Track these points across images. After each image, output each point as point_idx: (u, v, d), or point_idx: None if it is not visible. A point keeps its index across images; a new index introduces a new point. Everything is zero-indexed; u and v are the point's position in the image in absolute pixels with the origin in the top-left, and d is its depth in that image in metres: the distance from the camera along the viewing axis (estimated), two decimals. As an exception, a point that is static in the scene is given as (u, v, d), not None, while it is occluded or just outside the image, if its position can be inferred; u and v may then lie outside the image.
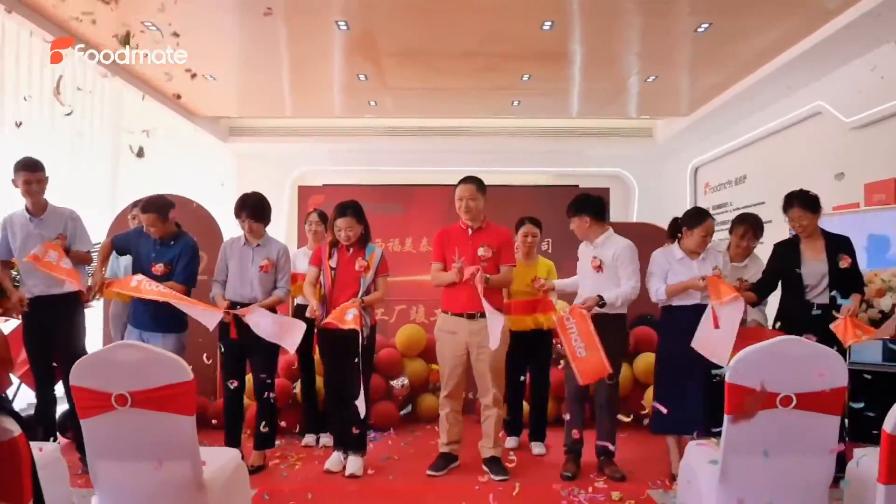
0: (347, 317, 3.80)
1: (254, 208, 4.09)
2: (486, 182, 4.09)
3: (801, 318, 3.76)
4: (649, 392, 5.05)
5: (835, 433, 2.47)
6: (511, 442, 4.66)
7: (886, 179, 6.23)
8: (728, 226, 4.57)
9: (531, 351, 4.53)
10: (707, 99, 8.70)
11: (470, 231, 4.04)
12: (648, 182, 11.33)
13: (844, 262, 3.76)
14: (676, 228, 3.96)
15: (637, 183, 11.42)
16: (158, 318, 3.90)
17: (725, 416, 2.46)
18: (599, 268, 3.93)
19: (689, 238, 3.86)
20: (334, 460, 4.08)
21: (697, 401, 3.70)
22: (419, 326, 5.46)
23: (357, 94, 8.51)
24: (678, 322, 3.79)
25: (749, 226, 4.12)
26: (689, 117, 9.45)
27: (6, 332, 3.04)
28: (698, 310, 3.76)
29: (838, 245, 3.84)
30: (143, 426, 2.33)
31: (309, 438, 4.70)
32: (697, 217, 3.87)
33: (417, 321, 5.86)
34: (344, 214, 3.99)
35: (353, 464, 3.98)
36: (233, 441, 4.11)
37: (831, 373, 2.41)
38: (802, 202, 3.83)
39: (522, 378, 4.65)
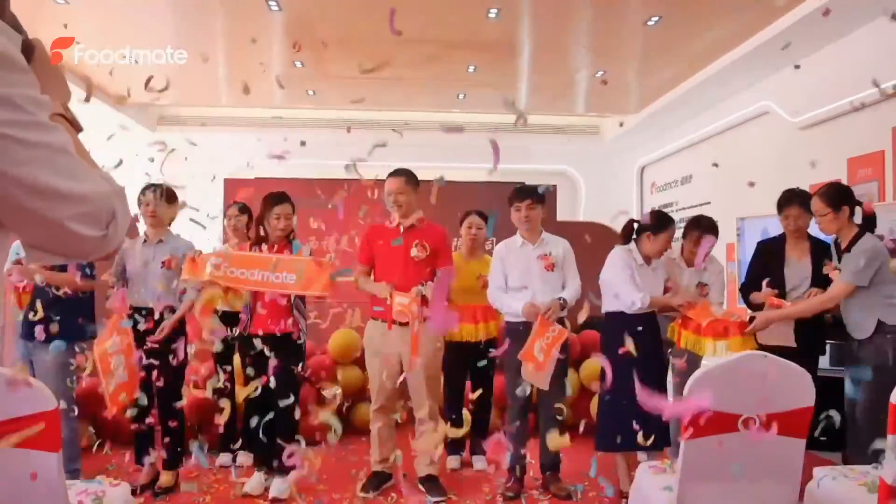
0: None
1: (164, 188, 3.74)
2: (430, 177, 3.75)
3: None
4: (596, 399, 4.83)
5: (800, 457, 2.24)
6: (453, 462, 4.25)
7: (832, 181, 6.17)
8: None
9: (472, 359, 4.16)
10: (655, 97, 8.61)
11: (402, 229, 3.70)
12: (595, 180, 11.22)
13: (828, 269, 3.58)
14: (632, 231, 3.69)
15: (584, 181, 11.29)
16: (49, 325, 3.46)
17: (682, 441, 2.20)
18: (552, 267, 3.65)
19: (652, 243, 3.58)
20: (255, 482, 3.68)
21: (647, 416, 3.47)
22: (354, 331, 5.07)
23: (295, 82, 8.07)
24: (627, 330, 3.54)
25: (703, 231, 3.92)
26: (636, 115, 9.35)
27: None
28: (648, 317, 3.56)
29: (824, 250, 3.68)
30: (-5, 466, 1.91)
31: (224, 458, 4.28)
32: (663, 222, 3.61)
33: (353, 326, 5.47)
34: (282, 201, 3.68)
35: (278, 486, 3.61)
36: (141, 459, 3.78)
37: (798, 391, 2.18)
38: (802, 201, 3.62)
39: (462, 389, 4.31)
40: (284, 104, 9.50)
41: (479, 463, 4.25)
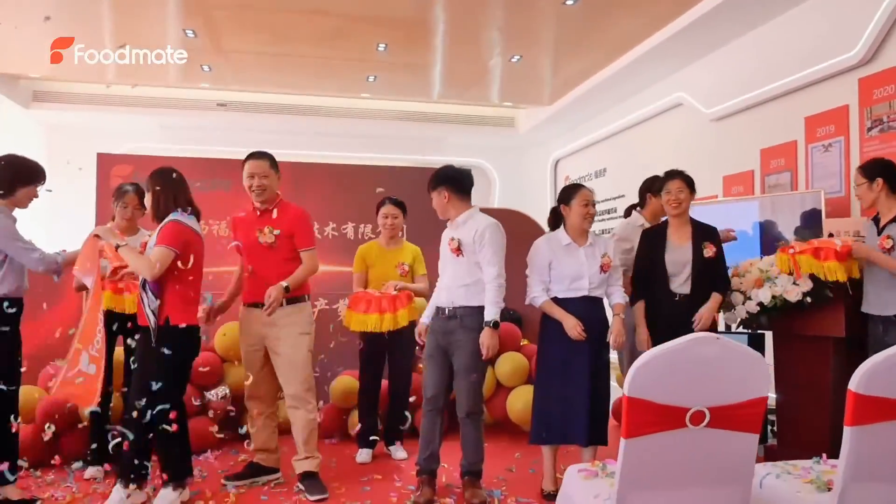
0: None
1: None
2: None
3: (664, 310, 3.50)
4: (513, 395, 4.53)
5: (753, 455, 1.95)
6: (363, 455, 4.07)
7: (744, 171, 6.17)
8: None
9: (389, 346, 4.06)
10: (570, 88, 8.45)
11: (258, 213, 3.47)
12: (509, 174, 11.03)
13: (709, 251, 3.51)
14: (557, 216, 3.50)
15: (498, 174, 11.07)
16: None
17: (622, 440, 1.86)
18: (458, 251, 3.30)
19: (570, 215, 3.38)
20: (116, 498, 3.05)
21: (583, 406, 3.22)
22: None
23: (188, 55, 7.33)
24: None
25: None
26: (551, 107, 9.19)
27: None
28: (589, 302, 3.31)
29: (705, 233, 3.58)
30: None
31: (93, 470, 3.66)
32: (571, 190, 3.43)
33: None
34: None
35: (168, 497, 3.08)
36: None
37: (752, 379, 1.88)
38: (685, 176, 3.56)
39: (377, 386, 4.20)
40: (179, 82, 8.70)
41: (399, 453, 4.10)
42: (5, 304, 3.08)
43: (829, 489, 2.12)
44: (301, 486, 3.37)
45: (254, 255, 3.45)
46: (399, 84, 8.43)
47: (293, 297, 3.40)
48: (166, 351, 3.06)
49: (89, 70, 8.30)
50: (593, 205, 3.39)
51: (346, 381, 4.48)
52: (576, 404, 3.23)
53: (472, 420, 3.33)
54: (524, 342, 4.94)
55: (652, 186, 4.19)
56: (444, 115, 10.01)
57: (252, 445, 3.58)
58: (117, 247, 3.08)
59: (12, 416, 3.14)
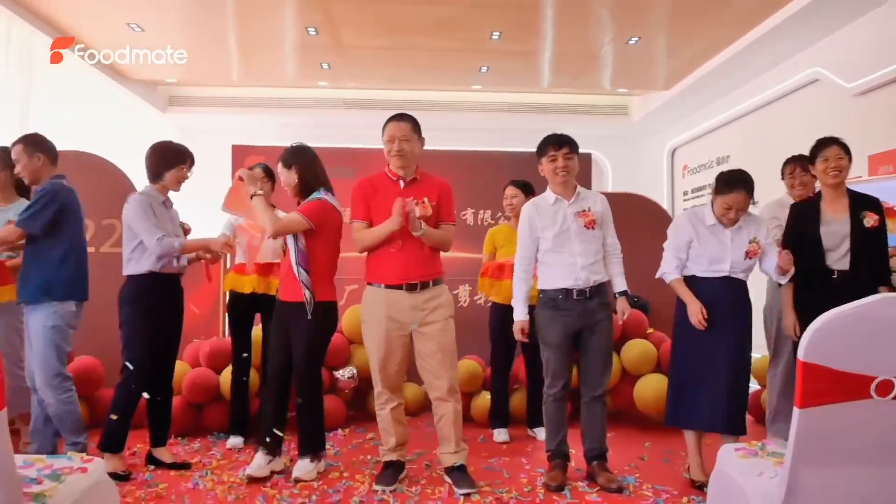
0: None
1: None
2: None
3: (818, 289, 3.14)
4: (642, 383, 4.36)
5: (949, 433, 1.75)
6: (501, 435, 4.06)
7: (893, 149, 5.65)
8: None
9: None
10: (689, 70, 8.08)
11: (402, 183, 3.22)
12: (623, 164, 10.70)
13: (870, 220, 3.12)
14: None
15: (610, 164, 10.77)
16: (30, 283, 3.15)
17: (795, 410, 1.72)
18: (593, 224, 3.19)
19: (714, 203, 3.15)
20: (258, 463, 3.22)
21: (720, 391, 3.03)
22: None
23: (308, 53, 7.64)
24: (702, 295, 3.10)
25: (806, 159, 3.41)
26: (667, 92, 8.84)
27: None
28: (729, 283, 3.10)
29: (865, 203, 3.19)
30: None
31: (236, 440, 3.86)
32: (728, 183, 3.06)
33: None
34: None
35: (305, 466, 3.22)
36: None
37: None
38: (841, 142, 3.18)
39: (510, 357, 4.16)
40: (298, 82, 9.07)
41: (542, 434, 3.82)
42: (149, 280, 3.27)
43: None
44: (449, 479, 3.23)
45: (404, 229, 3.11)
46: (510, 74, 8.38)
47: (438, 277, 3.23)
48: (315, 325, 3.18)
49: (217, 75, 8.85)
50: (739, 209, 3.07)
51: (469, 364, 4.48)
52: (712, 388, 3.04)
53: (601, 400, 3.25)
54: (650, 330, 4.76)
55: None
56: (555, 105, 9.87)
57: (394, 442, 3.24)
58: (253, 194, 3.19)
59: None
